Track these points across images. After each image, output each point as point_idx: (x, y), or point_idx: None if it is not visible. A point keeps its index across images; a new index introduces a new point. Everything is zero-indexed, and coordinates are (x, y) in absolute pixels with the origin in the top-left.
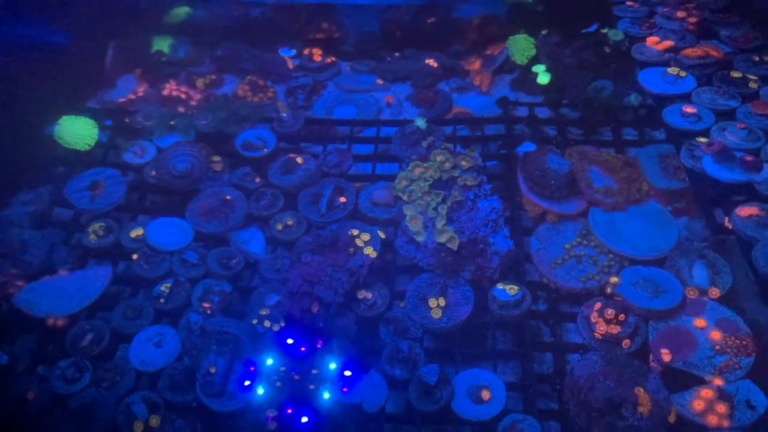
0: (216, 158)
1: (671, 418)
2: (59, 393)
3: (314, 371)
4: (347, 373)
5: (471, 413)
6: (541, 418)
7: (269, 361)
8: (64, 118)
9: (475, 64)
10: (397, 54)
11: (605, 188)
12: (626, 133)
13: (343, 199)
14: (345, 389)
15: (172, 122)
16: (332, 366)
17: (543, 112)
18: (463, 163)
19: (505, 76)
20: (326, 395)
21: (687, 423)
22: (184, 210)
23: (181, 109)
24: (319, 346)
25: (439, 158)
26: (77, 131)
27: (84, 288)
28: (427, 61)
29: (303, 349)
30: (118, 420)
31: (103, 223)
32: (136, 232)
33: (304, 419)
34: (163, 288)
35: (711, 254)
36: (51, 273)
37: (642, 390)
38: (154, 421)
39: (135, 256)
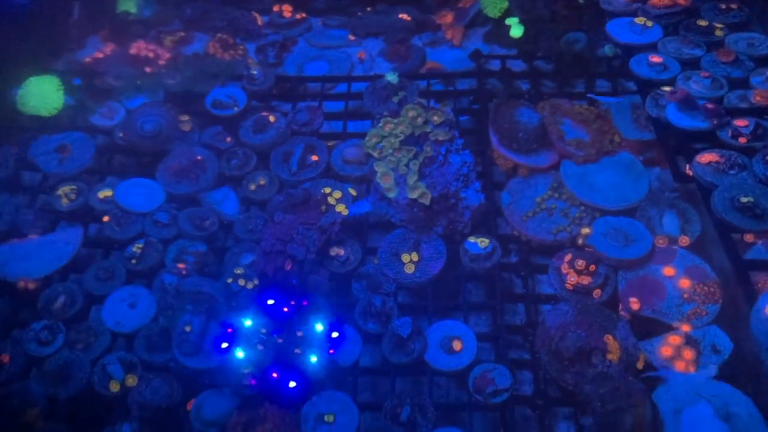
0: (185, 118)
1: (639, 365)
2: (33, 355)
3: (299, 333)
4: (334, 334)
5: (443, 364)
6: (513, 367)
7: (248, 323)
8: (30, 80)
9: (447, 18)
10: (369, 9)
11: (577, 141)
12: (599, 85)
13: (315, 158)
14: (331, 351)
15: (139, 82)
16: (318, 328)
17: (517, 65)
18: (435, 118)
19: (478, 30)
20: (313, 359)
21: (655, 369)
22: (155, 171)
23: (147, 69)
24: (304, 305)
25: (410, 113)
26: (43, 95)
27: (55, 251)
28: (400, 15)
29: (286, 309)
30: (93, 381)
31: (74, 186)
32: (105, 193)
33: (292, 384)
34: (134, 249)
35: (681, 203)
36: (20, 237)
37: (611, 338)
38: (131, 380)
39: (106, 219)
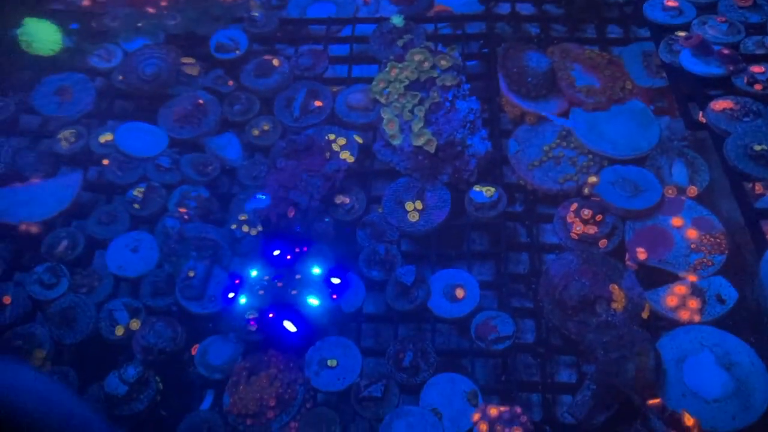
0: (186, 60)
1: (644, 314)
2: (37, 299)
3: (297, 276)
4: (335, 280)
5: (446, 311)
6: (516, 315)
7: (254, 273)
8: (27, 20)
9: None
10: None
11: (587, 87)
12: (611, 30)
13: (318, 103)
14: (334, 296)
15: (139, 24)
16: (315, 271)
17: (526, 9)
18: (442, 62)
19: None
20: (314, 302)
21: (660, 318)
22: (155, 115)
23: (150, 10)
24: (304, 250)
25: (416, 58)
26: (42, 35)
27: (56, 194)
28: None
29: (289, 257)
30: (100, 326)
31: (73, 130)
32: (105, 138)
33: (293, 329)
34: (136, 193)
35: (690, 153)
36: (21, 180)
37: (617, 287)
38: (135, 324)
39: (106, 162)
